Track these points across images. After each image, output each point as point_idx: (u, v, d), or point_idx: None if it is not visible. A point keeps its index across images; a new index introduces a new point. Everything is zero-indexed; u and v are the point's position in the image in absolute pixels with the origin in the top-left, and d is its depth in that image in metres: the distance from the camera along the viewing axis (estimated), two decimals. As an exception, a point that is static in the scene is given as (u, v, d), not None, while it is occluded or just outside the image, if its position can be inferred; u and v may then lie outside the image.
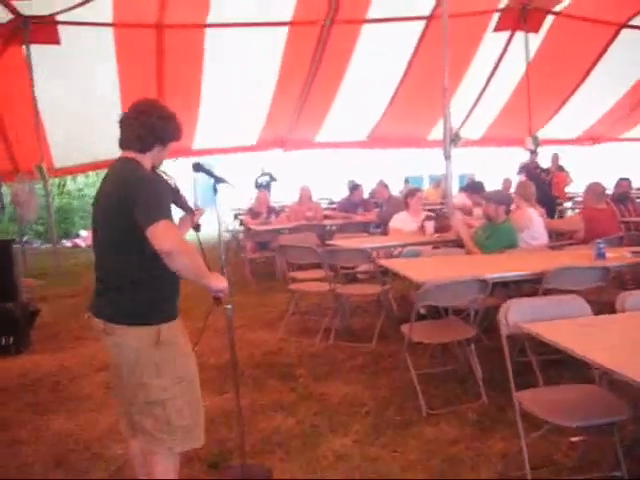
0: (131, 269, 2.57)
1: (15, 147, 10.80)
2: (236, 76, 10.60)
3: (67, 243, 15.71)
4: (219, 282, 2.67)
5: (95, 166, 12.63)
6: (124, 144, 2.70)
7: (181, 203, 2.91)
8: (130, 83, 9.92)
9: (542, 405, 2.88)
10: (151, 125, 2.64)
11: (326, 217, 10.04)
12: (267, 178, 16.57)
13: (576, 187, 12.72)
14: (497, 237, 5.38)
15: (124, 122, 2.69)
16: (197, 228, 3.03)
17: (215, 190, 3.09)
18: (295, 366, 5.08)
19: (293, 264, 6.86)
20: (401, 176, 16.82)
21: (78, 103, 10.06)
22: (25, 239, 13.87)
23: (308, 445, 3.65)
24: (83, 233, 16.49)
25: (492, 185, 13.38)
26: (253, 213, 9.95)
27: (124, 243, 2.55)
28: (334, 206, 11.98)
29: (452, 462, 3.36)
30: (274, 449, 3.62)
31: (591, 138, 15.94)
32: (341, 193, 13.21)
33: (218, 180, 3.09)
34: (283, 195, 15.06)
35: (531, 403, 2.92)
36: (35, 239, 15.84)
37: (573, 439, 3.51)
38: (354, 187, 10.92)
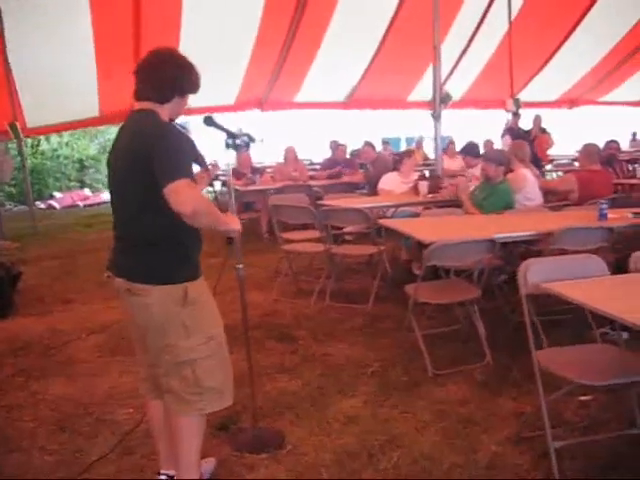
0: (157, 227, 2.46)
1: (-15, 106, 10.45)
2: (214, 34, 10.30)
3: (41, 205, 15.37)
4: (235, 224, 2.67)
5: (70, 126, 12.32)
6: (141, 95, 2.54)
7: (198, 158, 2.79)
8: (105, 38, 9.58)
9: (561, 365, 2.85)
10: (170, 75, 2.51)
11: (311, 178, 9.91)
12: (245, 139, 16.25)
13: (557, 150, 12.76)
14: (495, 198, 5.33)
15: (141, 72, 2.54)
16: (212, 184, 2.93)
17: (227, 145, 2.97)
18: (293, 328, 5.02)
19: (279, 224, 6.75)
20: (379, 137, 16.71)
21: (51, 58, 9.71)
22: (-1, 201, 13.59)
23: (317, 407, 3.60)
24: (57, 195, 16.15)
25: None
26: (237, 174, 9.78)
27: (148, 200, 2.41)
28: (316, 166, 11.83)
29: (465, 423, 3.34)
30: (283, 411, 3.57)
31: (569, 101, 15.94)
32: (321, 154, 13.07)
33: (231, 135, 2.97)
34: (262, 156, 14.85)
35: (550, 363, 2.89)
36: (7, 201, 15.46)
37: (582, 398, 3.52)
38: (335, 146, 10.80)
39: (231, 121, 15.95)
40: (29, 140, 14.91)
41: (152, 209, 2.43)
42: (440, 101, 7.17)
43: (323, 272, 6.08)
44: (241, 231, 2.74)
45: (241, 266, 3.12)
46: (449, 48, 11.56)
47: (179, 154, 2.37)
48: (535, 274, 2.96)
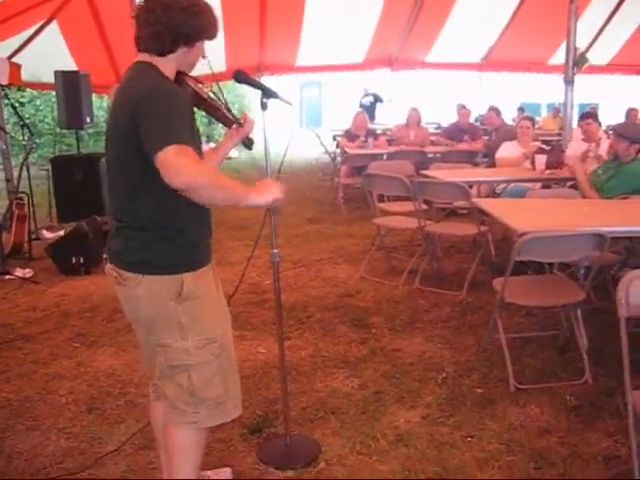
0: (148, 207, 2.05)
1: None
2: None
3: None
4: (265, 196, 2.07)
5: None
6: (140, 44, 2.09)
7: (218, 115, 2.33)
8: None
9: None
10: (171, 20, 2.01)
11: (432, 143, 9.25)
12: (371, 99, 15.67)
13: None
14: (620, 179, 4.47)
15: (139, 16, 2.07)
16: (248, 144, 2.43)
17: (263, 105, 2.47)
18: (371, 313, 4.51)
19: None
20: (516, 103, 15.58)
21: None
22: None
23: (367, 417, 3.10)
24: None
25: (616, 117, 12.04)
26: (350, 135, 9.29)
27: (136, 175, 2.01)
28: (440, 131, 11.08)
29: (539, 460, 2.71)
30: (328, 417, 3.10)
31: None
32: (450, 118, 12.30)
33: (267, 93, 2.47)
34: (389, 118, 14.17)
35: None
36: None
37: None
38: (459, 110, 10.02)
39: (360, 80, 15.39)
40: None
41: (142, 185, 2.03)
42: (573, 63, 6.24)
43: (419, 249, 5.51)
44: (280, 200, 2.11)
45: (276, 251, 2.63)
46: (599, 5, 10.36)
47: (167, 115, 1.91)
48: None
